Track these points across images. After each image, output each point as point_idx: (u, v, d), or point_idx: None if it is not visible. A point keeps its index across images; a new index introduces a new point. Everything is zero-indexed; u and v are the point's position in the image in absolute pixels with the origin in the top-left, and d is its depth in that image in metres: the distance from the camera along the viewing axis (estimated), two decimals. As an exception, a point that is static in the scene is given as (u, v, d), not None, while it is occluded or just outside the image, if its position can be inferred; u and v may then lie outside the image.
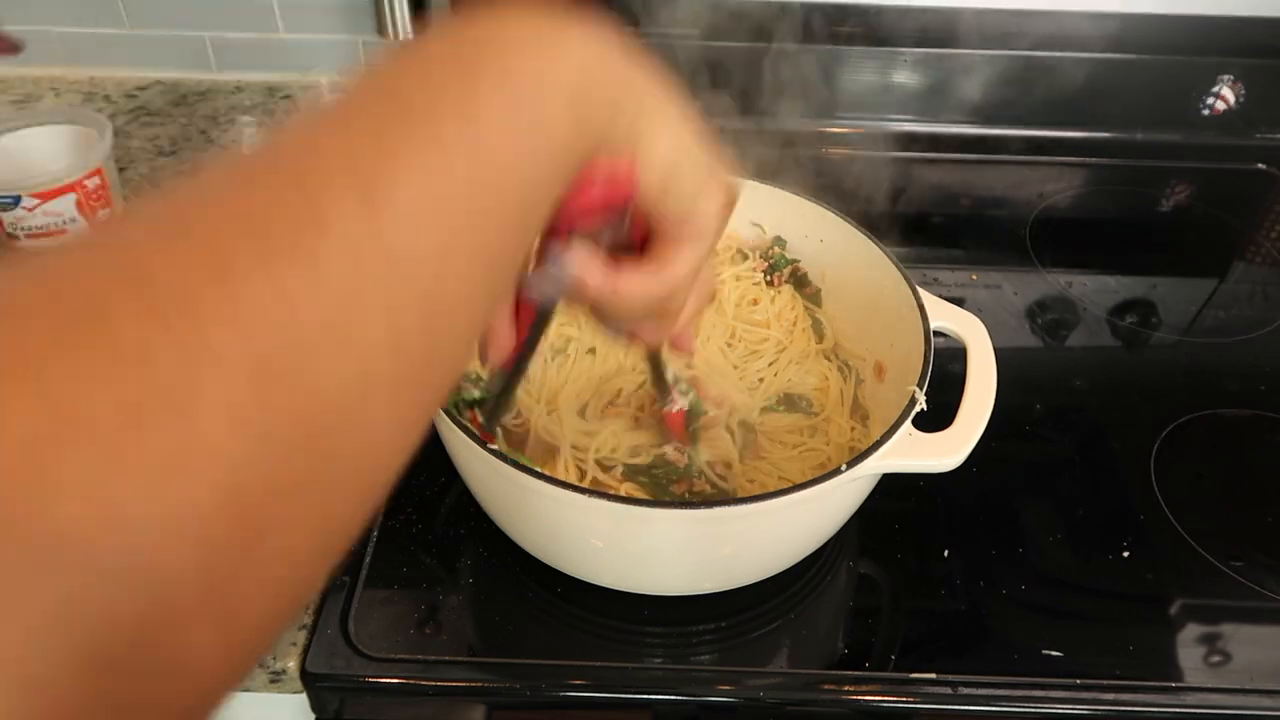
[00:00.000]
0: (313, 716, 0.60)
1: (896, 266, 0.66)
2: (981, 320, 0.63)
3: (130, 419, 0.19)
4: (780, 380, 0.70)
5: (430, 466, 0.66)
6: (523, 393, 0.67)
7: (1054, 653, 0.60)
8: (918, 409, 0.56)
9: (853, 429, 0.68)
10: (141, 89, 1.11)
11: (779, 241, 0.76)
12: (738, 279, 0.75)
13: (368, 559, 0.63)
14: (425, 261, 0.25)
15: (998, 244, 0.96)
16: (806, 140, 1.01)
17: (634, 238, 0.42)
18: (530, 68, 0.30)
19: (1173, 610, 0.64)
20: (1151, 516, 0.69)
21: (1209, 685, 0.59)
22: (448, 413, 0.55)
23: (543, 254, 0.40)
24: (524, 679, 0.58)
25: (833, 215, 0.72)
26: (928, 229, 0.97)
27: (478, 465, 0.57)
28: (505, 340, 0.45)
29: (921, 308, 0.63)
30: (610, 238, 0.40)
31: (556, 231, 0.39)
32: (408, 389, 0.25)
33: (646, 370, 0.64)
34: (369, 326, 0.23)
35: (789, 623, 0.62)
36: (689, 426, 0.63)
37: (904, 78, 1.02)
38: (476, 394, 0.61)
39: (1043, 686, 0.58)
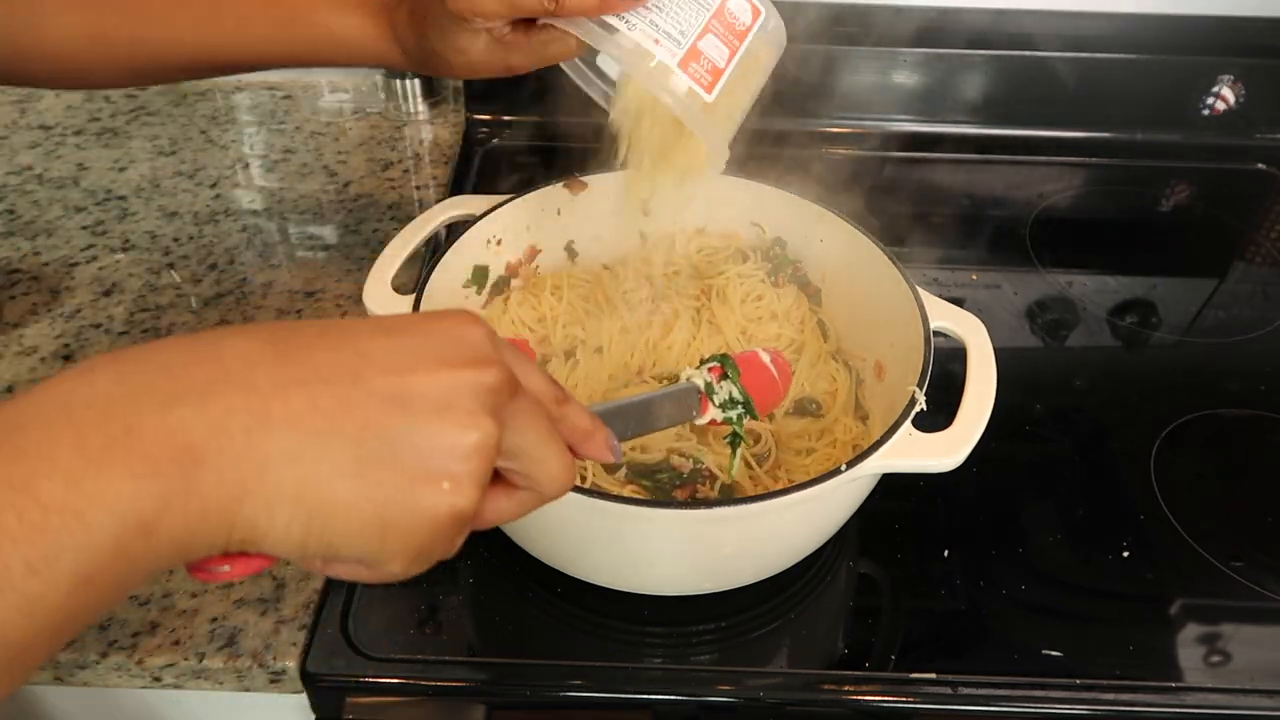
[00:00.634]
0: (313, 716, 0.60)
1: (896, 266, 0.66)
2: (981, 320, 0.63)
3: None
4: (796, 385, 0.69)
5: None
6: None
7: (1054, 653, 0.60)
8: (918, 409, 0.56)
9: (854, 429, 0.68)
10: (141, 89, 1.11)
11: (779, 243, 0.76)
12: (741, 277, 0.75)
13: (368, 559, 0.63)
14: None
15: (998, 244, 0.96)
16: (807, 140, 1.01)
17: None
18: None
19: (1173, 610, 0.64)
20: (1151, 516, 0.69)
21: (1209, 685, 0.59)
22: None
23: None
24: (524, 679, 0.58)
25: (832, 215, 0.72)
26: (928, 229, 0.97)
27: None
28: None
29: (921, 308, 0.63)
30: None
31: None
32: None
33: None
34: None
35: (789, 623, 0.62)
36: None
37: (904, 78, 1.02)
38: None
39: (1043, 686, 0.58)
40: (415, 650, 0.59)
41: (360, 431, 0.31)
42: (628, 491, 0.61)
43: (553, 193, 0.74)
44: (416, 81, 1.07)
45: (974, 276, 0.90)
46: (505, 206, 0.71)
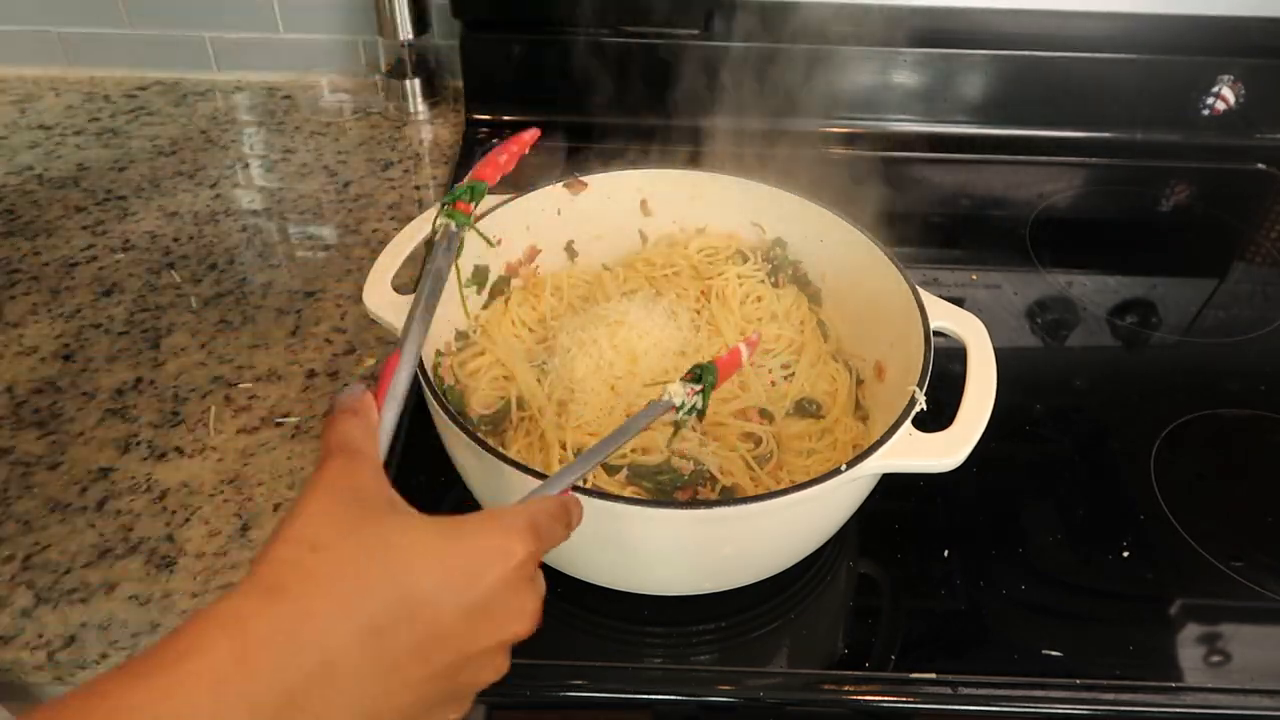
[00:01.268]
0: (313, 716, 0.60)
1: (896, 266, 0.66)
2: (981, 320, 0.63)
3: None
4: (796, 386, 0.69)
5: (430, 466, 0.66)
6: (535, 393, 0.67)
7: (1054, 653, 0.60)
8: (917, 409, 0.56)
9: (855, 429, 0.68)
10: (141, 89, 1.11)
11: (780, 243, 0.76)
12: (741, 277, 0.75)
13: (368, 559, 0.63)
14: None
15: (998, 244, 0.96)
16: (807, 140, 1.01)
17: None
18: None
19: (1173, 610, 0.64)
20: (1151, 516, 0.69)
21: (1209, 685, 0.59)
22: (448, 413, 0.55)
23: None
24: (524, 679, 0.58)
25: (833, 215, 0.72)
26: (928, 229, 0.97)
27: (478, 466, 0.57)
28: None
29: (921, 308, 0.63)
30: None
31: None
32: None
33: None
34: None
35: (789, 623, 0.62)
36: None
37: (904, 78, 1.02)
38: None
39: (1043, 686, 0.58)
40: (415, 650, 0.58)
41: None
42: (628, 493, 0.61)
43: (553, 193, 0.74)
44: (417, 81, 1.07)
45: (974, 276, 0.90)
46: (505, 206, 0.71)
